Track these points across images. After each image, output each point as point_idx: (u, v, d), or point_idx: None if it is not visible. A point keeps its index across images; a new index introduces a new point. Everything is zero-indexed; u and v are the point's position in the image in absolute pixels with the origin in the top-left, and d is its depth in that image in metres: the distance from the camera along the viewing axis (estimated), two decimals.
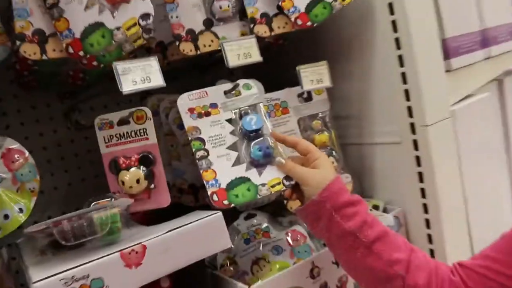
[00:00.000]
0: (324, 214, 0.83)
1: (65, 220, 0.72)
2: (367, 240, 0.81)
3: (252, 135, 0.95)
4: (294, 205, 1.06)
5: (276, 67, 1.06)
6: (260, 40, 1.01)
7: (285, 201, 1.05)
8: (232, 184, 0.92)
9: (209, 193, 0.91)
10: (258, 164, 0.94)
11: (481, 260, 0.79)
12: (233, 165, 0.94)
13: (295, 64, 1.04)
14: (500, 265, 0.75)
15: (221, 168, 0.93)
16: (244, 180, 0.92)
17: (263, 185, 0.92)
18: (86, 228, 0.75)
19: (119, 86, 0.79)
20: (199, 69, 1.28)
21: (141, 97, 1.19)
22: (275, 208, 1.12)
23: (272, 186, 0.92)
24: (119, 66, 0.78)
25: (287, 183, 0.92)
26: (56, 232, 0.71)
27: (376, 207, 1.13)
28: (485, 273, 0.77)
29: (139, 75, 0.80)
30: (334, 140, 1.12)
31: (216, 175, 0.92)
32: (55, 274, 0.70)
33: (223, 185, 0.91)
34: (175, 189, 1.12)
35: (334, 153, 1.10)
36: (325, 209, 0.83)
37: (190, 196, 1.11)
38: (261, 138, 0.95)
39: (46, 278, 0.70)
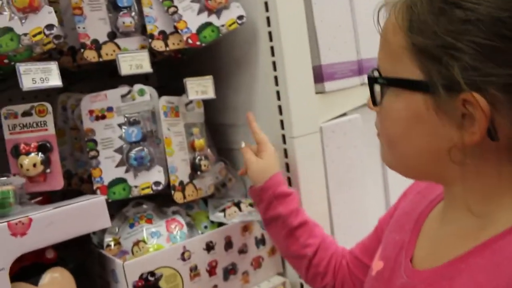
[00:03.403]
0: (266, 198, 1.03)
1: None
2: (291, 226, 1.01)
3: (132, 144, 1.09)
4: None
5: (176, 76, 1.14)
6: (161, 53, 1.15)
7: (172, 192, 1.13)
8: (112, 183, 1.08)
9: (94, 187, 1.07)
10: (135, 168, 1.09)
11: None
12: (116, 166, 1.09)
13: (192, 75, 1.13)
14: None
15: (106, 168, 1.08)
16: (122, 180, 1.08)
17: (136, 187, 1.08)
18: None
19: (20, 84, 0.89)
20: (108, 73, 1.38)
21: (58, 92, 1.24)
22: (163, 198, 1.20)
23: (143, 189, 1.08)
24: (22, 67, 0.87)
25: (155, 187, 1.09)
26: None
27: (251, 205, 1.22)
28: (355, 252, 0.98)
29: (39, 75, 0.89)
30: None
31: (101, 173, 1.08)
32: None
33: (106, 183, 1.08)
34: (77, 178, 1.20)
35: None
36: (267, 194, 1.02)
37: (89, 185, 1.18)
38: (139, 148, 1.09)
39: None
